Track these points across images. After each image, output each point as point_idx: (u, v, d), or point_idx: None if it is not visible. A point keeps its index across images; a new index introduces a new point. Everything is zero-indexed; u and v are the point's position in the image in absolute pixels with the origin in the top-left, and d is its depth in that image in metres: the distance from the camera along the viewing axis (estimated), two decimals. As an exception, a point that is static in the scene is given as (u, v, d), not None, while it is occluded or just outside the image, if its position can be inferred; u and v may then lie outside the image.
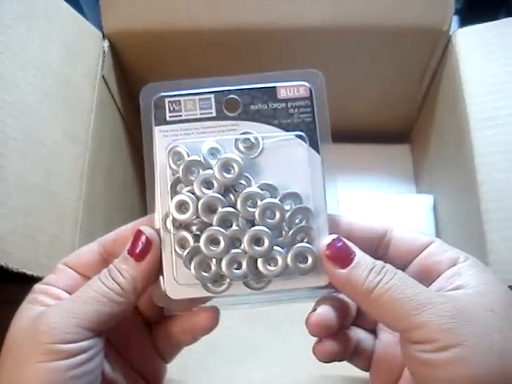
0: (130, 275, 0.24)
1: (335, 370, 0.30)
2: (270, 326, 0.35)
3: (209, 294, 0.26)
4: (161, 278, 0.26)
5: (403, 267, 0.26)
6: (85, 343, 0.23)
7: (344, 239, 0.25)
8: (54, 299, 0.25)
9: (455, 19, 0.58)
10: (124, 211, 0.53)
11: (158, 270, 0.25)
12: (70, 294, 0.26)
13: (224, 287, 0.26)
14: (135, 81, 0.53)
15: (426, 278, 0.25)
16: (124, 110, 0.52)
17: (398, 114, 0.58)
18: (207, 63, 0.49)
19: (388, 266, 0.24)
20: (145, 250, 0.25)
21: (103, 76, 0.46)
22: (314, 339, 0.27)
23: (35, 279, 0.33)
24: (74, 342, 0.23)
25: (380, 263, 0.24)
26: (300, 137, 0.27)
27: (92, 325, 0.23)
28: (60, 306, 0.24)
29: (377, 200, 0.54)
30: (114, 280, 0.24)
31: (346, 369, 0.29)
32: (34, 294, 0.25)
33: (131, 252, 0.25)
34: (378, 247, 0.26)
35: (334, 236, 0.25)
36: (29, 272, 0.33)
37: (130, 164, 0.55)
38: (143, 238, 0.25)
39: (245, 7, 0.45)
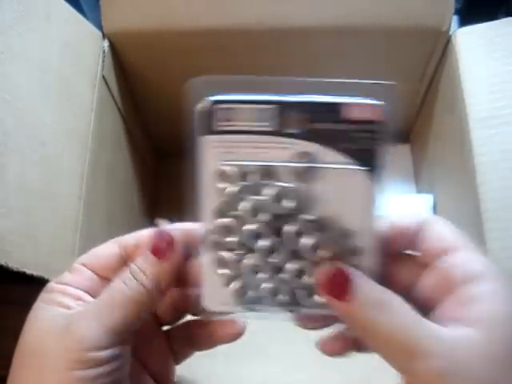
0: (153, 274, 0.24)
1: (337, 370, 0.30)
2: (271, 325, 0.35)
3: (246, 312, 0.25)
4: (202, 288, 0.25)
5: (432, 261, 0.24)
6: (115, 351, 0.23)
7: (344, 269, 0.23)
8: (74, 300, 0.25)
9: (455, 19, 0.58)
10: (124, 211, 0.53)
11: (180, 268, 0.25)
12: (89, 294, 0.25)
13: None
14: (135, 80, 0.53)
15: (443, 289, 0.24)
16: (124, 110, 0.52)
17: (397, 114, 0.58)
18: (207, 63, 0.49)
19: (387, 297, 0.23)
20: (168, 249, 0.24)
21: (103, 76, 0.46)
22: (315, 340, 0.27)
23: (35, 279, 0.33)
24: (105, 349, 0.23)
25: (378, 296, 0.23)
26: (363, 166, 0.23)
27: (120, 330, 0.23)
28: (88, 312, 0.24)
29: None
30: (137, 281, 0.24)
31: (348, 369, 0.29)
32: (51, 294, 0.25)
33: (154, 251, 0.24)
34: (411, 242, 0.25)
35: (332, 268, 0.23)
36: (28, 271, 0.33)
37: (130, 163, 0.55)
38: (166, 237, 0.25)
39: (245, 7, 0.45)
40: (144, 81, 0.53)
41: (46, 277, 0.34)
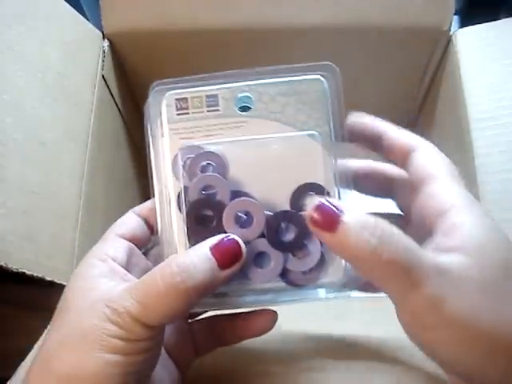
0: (213, 279, 0.23)
1: (336, 370, 0.30)
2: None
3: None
4: None
5: (415, 189, 0.25)
6: (149, 342, 0.23)
7: (331, 201, 0.23)
8: (119, 278, 0.25)
9: (456, 19, 0.58)
10: (124, 210, 0.52)
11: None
12: (126, 267, 0.26)
13: None
14: (135, 80, 0.53)
15: (426, 220, 0.24)
16: (124, 110, 0.52)
17: (398, 114, 0.58)
18: (207, 63, 0.49)
19: (380, 224, 0.22)
20: (234, 262, 0.24)
21: (103, 76, 0.46)
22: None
23: (35, 279, 0.33)
24: (139, 339, 0.23)
25: (371, 223, 0.22)
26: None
27: (157, 320, 0.23)
28: (129, 299, 0.23)
29: (376, 199, 0.53)
30: (183, 276, 0.23)
31: (347, 370, 0.29)
32: (99, 268, 0.25)
33: (221, 262, 0.23)
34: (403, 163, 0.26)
35: (319, 200, 0.23)
36: (28, 272, 0.33)
37: (130, 163, 0.55)
38: (236, 251, 0.24)
39: (245, 7, 0.45)
40: (144, 81, 0.53)
41: (46, 277, 0.34)
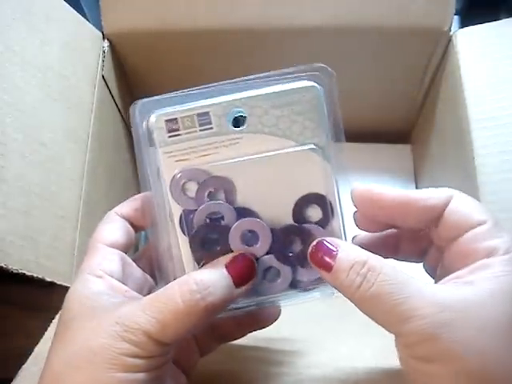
0: (227, 296, 0.23)
1: (337, 371, 0.30)
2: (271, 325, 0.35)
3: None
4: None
5: (450, 241, 0.24)
6: (161, 358, 0.23)
7: (328, 242, 0.24)
8: (120, 294, 0.24)
9: (456, 20, 0.58)
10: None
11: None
12: (122, 280, 0.25)
13: None
14: (135, 81, 0.53)
15: (462, 262, 0.23)
16: (124, 110, 0.52)
17: (398, 114, 0.58)
18: (207, 63, 0.49)
19: (371, 261, 0.22)
20: (248, 278, 0.24)
21: (103, 76, 0.46)
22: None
23: (35, 280, 0.33)
24: (153, 356, 0.22)
25: (360, 261, 0.22)
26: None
27: (172, 338, 0.22)
28: (144, 316, 0.22)
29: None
30: (204, 293, 0.23)
31: (348, 372, 0.29)
32: (98, 285, 0.24)
33: (236, 279, 0.24)
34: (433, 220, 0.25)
35: (317, 241, 0.24)
36: (29, 273, 0.33)
37: (131, 164, 0.55)
38: (250, 266, 0.24)
39: (245, 7, 0.45)
40: (144, 81, 0.53)
41: (46, 278, 0.34)
